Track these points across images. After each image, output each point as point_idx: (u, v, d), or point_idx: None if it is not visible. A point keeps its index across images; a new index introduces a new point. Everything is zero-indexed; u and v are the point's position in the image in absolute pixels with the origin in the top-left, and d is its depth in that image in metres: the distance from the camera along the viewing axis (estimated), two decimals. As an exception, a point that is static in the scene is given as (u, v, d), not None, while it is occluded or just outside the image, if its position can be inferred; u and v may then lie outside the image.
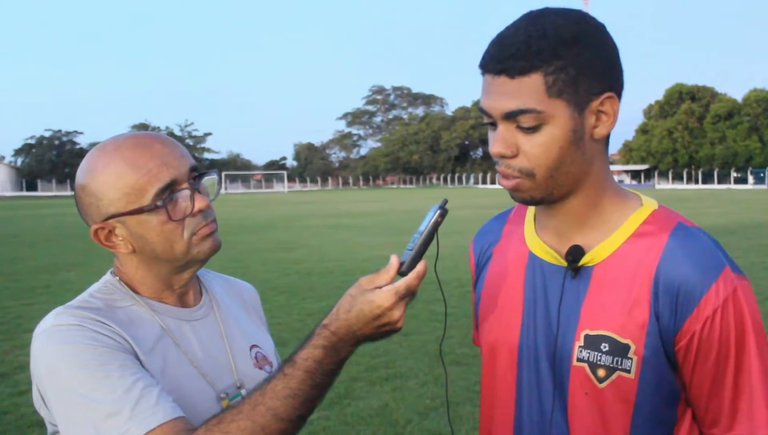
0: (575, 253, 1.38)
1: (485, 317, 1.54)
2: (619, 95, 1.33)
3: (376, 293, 1.28)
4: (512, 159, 1.32)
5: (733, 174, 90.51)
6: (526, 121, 1.28)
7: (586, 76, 1.27)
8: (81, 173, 1.48)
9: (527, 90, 1.27)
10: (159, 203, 1.43)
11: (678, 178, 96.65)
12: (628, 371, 1.32)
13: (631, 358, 1.32)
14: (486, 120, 1.35)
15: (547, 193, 1.35)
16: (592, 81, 1.28)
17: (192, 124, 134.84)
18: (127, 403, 1.29)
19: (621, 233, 1.38)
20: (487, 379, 1.54)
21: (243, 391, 1.53)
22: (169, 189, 1.44)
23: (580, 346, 1.36)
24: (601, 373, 1.34)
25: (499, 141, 1.32)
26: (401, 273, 1.32)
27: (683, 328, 1.30)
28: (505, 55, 1.27)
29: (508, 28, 1.31)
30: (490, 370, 1.52)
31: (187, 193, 1.46)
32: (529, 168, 1.32)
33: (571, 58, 1.26)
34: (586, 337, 1.35)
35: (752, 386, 1.30)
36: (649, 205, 1.42)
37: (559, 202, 1.39)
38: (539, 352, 1.42)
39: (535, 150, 1.30)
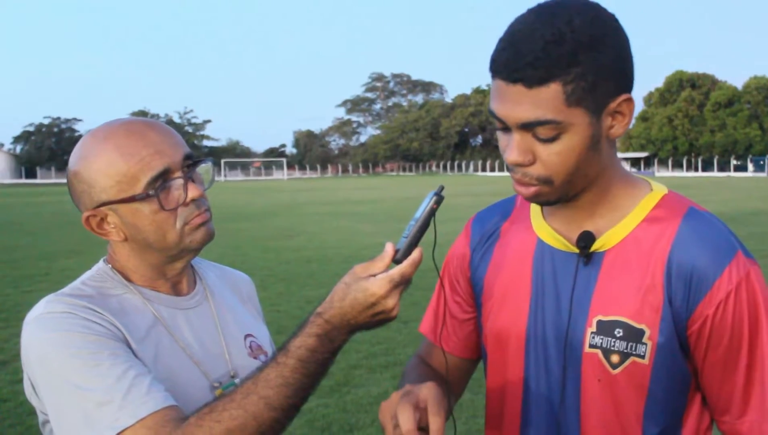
0: (586, 240, 1.36)
1: (491, 305, 1.51)
2: (631, 91, 1.31)
3: (371, 281, 1.26)
4: (528, 167, 1.29)
5: (733, 162, 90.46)
6: (544, 132, 1.25)
7: (603, 80, 1.24)
8: (74, 159, 1.46)
9: (545, 100, 1.22)
10: (151, 192, 1.41)
11: (678, 165, 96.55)
12: (643, 357, 1.31)
13: (646, 344, 1.31)
14: (498, 125, 1.31)
15: (563, 195, 1.34)
16: (610, 84, 1.25)
17: (191, 111, 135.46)
18: (118, 392, 1.27)
19: (632, 218, 1.37)
20: (492, 367, 1.52)
21: (237, 381, 1.51)
22: (162, 178, 1.42)
23: (592, 332, 1.34)
24: (615, 359, 1.32)
25: (515, 149, 1.28)
26: (396, 260, 1.29)
27: (696, 313, 1.29)
28: (522, 64, 1.21)
29: (521, 30, 1.24)
30: (495, 358, 1.50)
31: (180, 182, 1.44)
32: (546, 175, 1.29)
33: (589, 63, 1.21)
34: (599, 322, 1.34)
35: (765, 372, 1.29)
36: (659, 190, 1.41)
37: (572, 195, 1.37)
38: (548, 340, 1.40)
39: (552, 158, 1.27)
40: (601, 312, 1.34)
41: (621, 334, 1.32)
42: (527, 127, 1.25)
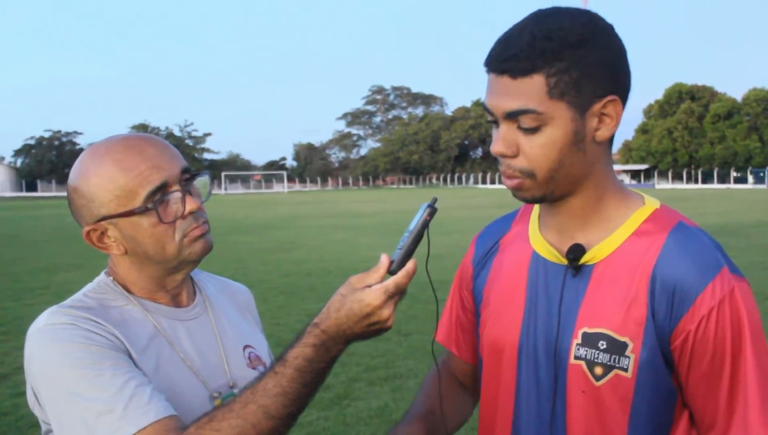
0: (576, 252, 1.38)
1: (487, 315, 1.54)
2: (624, 98, 1.33)
3: (366, 292, 1.29)
4: (513, 159, 1.33)
5: (733, 174, 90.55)
6: (527, 121, 1.29)
7: (589, 78, 1.27)
8: (73, 175, 1.49)
9: (528, 91, 1.27)
10: (150, 205, 1.44)
11: (678, 177, 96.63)
12: (626, 369, 1.31)
13: (629, 356, 1.31)
14: (489, 118, 1.36)
15: (548, 192, 1.36)
16: (596, 83, 1.28)
17: (192, 124, 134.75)
18: (120, 402, 1.29)
19: (622, 232, 1.38)
20: (486, 376, 1.54)
21: (236, 391, 1.53)
22: (160, 191, 1.45)
23: (577, 344, 1.36)
24: (599, 371, 1.33)
25: (500, 140, 1.33)
26: (391, 272, 1.33)
27: (678, 327, 1.29)
28: (509, 55, 1.28)
29: (514, 28, 1.31)
30: (490, 368, 1.52)
31: (178, 195, 1.47)
32: (529, 168, 1.32)
33: (574, 60, 1.26)
34: (584, 334, 1.35)
35: (747, 389, 1.27)
36: (651, 204, 1.41)
37: (561, 200, 1.39)
38: (538, 351, 1.42)
39: (534, 151, 1.30)
40: (587, 324, 1.35)
41: (604, 346, 1.33)
42: (511, 116, 1.30)
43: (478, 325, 1.58)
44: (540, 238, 1.48)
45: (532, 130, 1.29)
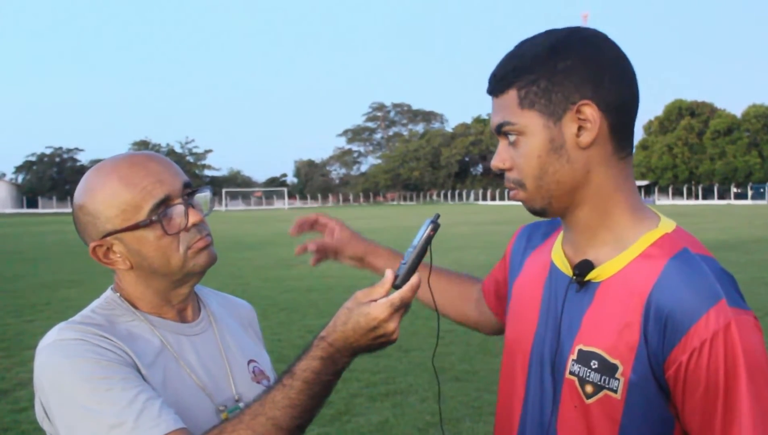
0: (582, 267, 1.39)
1: (511, 315, 1.60)
2: (609, 106, 1.33)
3: (372, 306, 1.32)
4: (509, 172, 1.41)
5: (733, 189, 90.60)
6: (509, 134, 1.37)
7: (560, 85, 1.32)
8: (78, 193, 1.52)
9: (505, 105, 1.38)
10: (154, 218, 1.47)
11: (678, 193, 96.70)
12: (615, 391, 1.30)
13: (619, 379, 1.30)
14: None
15: (546, 203, 1.40)
16: (569, 90, 1.32)
17: (193, 141, 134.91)
18: (130, 415, 1.31)
19: (629, 253, 1.37)
20: (504, 374, 1.59)
21: (241, 404, 1.54)
22: (164, 204, 1.48)
23: (573, 360, 1.37)
24: (589, 389, 1.34)
25: (495, 156, 1.43)
26: (396, 286, 1.35)
27: (670, 357, 1.25)
28: (491, 78, 1.41)
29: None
30: (507, 367, 1.58)
31: (181, 208, 1.50)
32: (519, 179, 1.40)
33: (543, 70, 1.33)
34: (580, 351, 1.36)
35: (741, 427, 1.21)
36: (665, 227, 1.40)
37: (569, 213, 1.42)
38: (544, 359, 1.44)
39: (519, 161, 1.38)
40: (584, 341, 1.36)
41: (596, 366, 1.33)
42: (498, 131, 1.41)
43: (506, 318, 1.64)
44: (560, 251, 1.51)
45: (515, 142, 1.37)
